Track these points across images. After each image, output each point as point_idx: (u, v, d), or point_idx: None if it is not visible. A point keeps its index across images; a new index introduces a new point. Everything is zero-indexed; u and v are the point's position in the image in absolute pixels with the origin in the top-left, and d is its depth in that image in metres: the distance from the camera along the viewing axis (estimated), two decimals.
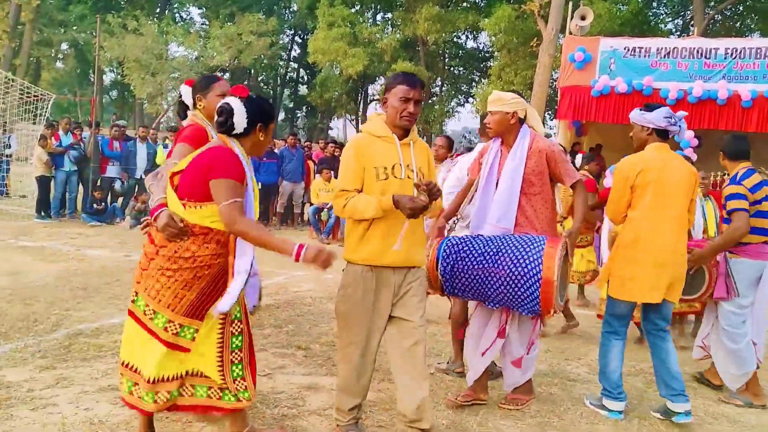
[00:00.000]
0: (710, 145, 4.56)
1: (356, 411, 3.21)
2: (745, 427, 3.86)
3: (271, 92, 38.10)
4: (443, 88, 33.90)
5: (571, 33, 15.29)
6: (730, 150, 4.35)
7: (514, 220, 3.66)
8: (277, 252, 2.56)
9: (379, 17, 33.56)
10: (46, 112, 12.02)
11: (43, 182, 11.06)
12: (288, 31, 37.82)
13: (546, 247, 3.41)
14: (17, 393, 3.52)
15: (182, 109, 3.49)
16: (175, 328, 2.68)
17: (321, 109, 33.99)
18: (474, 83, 34.47)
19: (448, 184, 4.63)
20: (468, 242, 3.60)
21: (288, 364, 4.38)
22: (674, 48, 14.41)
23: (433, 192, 2.90)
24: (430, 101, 30.54)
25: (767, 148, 16.02)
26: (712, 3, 25.88)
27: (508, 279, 3.41)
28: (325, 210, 11.11)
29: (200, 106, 3.22)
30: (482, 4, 28.69)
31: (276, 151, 12.45)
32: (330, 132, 39.67)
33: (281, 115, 38.66)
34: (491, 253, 3.48)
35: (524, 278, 3.37)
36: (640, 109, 3.90)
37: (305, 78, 40.11)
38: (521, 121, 3.74)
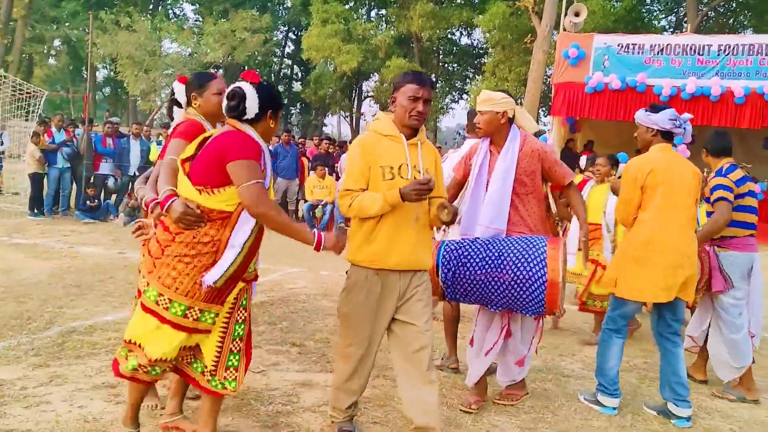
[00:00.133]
0: (703, 142, 4.56)
1: (352, 409, 3.21)
2: (738, 421, 3.88)
3: None
4: (437, 85, 33.88)
5: (565, 29, 15.31)
6: (714, 147, 4.40)
7: (506, 220, 3.64)
8: (297, 239, 2.60)
9: (373, 14, 33.54)
10: (38, 108, 11.96)
11: (36, 179, 11.01)
12: (282, 27, 37.76)
13: (548, 249, 3.40)
14: (10, 391, 3.50)
15: (171, 107, 3.45)
16: (196, 314, 2.63)
17: (315, 106, 33.96)
18: (468, 80, 34.50)
19: None
20: (467, 247, 3.54)
21: (282, 360, 4.38)
22: (668, 45, 14.46)
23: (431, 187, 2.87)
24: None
25: (759, 144, 16.17)
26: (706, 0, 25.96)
27: (512, 283, 3.39)
28: (320, 207, 11.10)
29: (196, 104, 3.14)
30: (476, 1, 28.70)
31: (270, 147, 12.43)
32: (324, 129, 39.67)
33: None
34: (493, 258, 3.44)
35: (529, 281, 3.36)
36: (646, 110, 3.90)
37: (299, 75, 40.05)
38: (510, 121, 3.73)
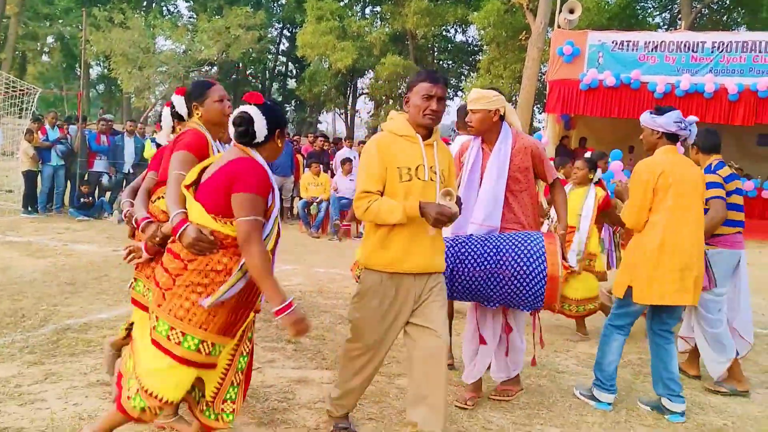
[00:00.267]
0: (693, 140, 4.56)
1: (350, 405, 3.23)
2: (731, 417, 3.91)
3: (260, 86, 37.94)
4: None
5: (559, 26, 15.33)
6: (704, 144, 4.42)
7: (500, 218, 3.65)
8: (267, 293, 2.44)
9: (367, 11, 33.51)
10: (32, 106, 11.89)
11: (30, 177, 10.96)
12: (276, 24, 37.65)
13: (546, 244, 3.41)
14: (5, 389, 3.50)
15: (173, 120, 3.38)
16: (208, 348, 2.49)
17: (310, 103, 33.93)
18: (463, 77, 34.52)
19: None
20: (464, 244, 3.53)
21: (278, 357, 4.39)
22: (662, 42, 14.50)
23: (459, 204, 2.84)
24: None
25: (753, 141, 16.24)
26: None
27: (512, 279, 3.39)
28: (315, 204, 11.10)
29: (197, 114, 3.04)
30: None
31: None
32: (319, 126, 39.65)
33: None
34: (491, 254, 3.44)
35: (529, 276, 3.36)
36: (651, 113, 3.90)
37: (294, 72, 39.99)
38: (501, 119, 3.74)
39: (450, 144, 4.93)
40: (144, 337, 2.60)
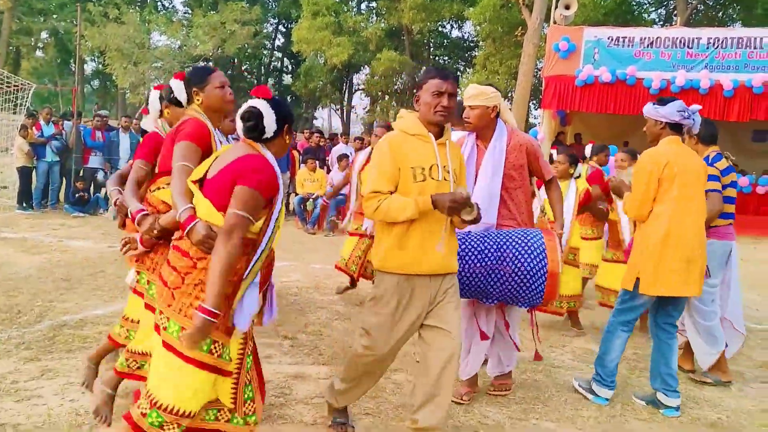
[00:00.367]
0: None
1: (352, 401, 3.24)
2: (725, 410, 3.93)
3: (255, 82, 37.84)
4: None
5: (555, 22, 15.33)
6: (705, 135, 4.41)
7: (496, 215, 3.65)
8: (208, 291, 2.27)
9: (363, 6, 33.43)
10: (26, 101, 11.84)
11: (25, 173, 10.92)
12: (272, 19, 37.55)
13: (546, 241, 3.42)
14: (1, 385, 3.50)
15: (161, 104, 3.32)
16: (219, 349, 2.43)
17: (305, 99, 33.85)
18: (459, 73, 34.47)
19: None
20: (463, 241, 3.52)
21: (274, 353, 4.39)
22: (657, 38, 14.52)
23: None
24: (415, 91, 30.51)
25: (748, 137, 16.28)
26: None
27: (513, 275, 3.39)
28: (311, 200, 11.09)
29: (198, 100, 2.94)
30: None
31: None
32: (315, 122, 39.56)
33: None
34: (492, 251, 3.43)
35: (530, 272, 3.37)
36: (654, 104, 3.88)
37: (289, 67, 39.89)
38: (497, 115, 3.74)
39: None
40: (156, 344, 2.50)
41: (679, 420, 3.73)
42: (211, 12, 28.46)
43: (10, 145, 11.59)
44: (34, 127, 10.97)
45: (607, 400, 3.89)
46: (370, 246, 5.92)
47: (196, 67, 3.16)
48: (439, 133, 2.96)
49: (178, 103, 3.09)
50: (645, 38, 14.49)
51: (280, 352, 4.42)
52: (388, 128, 6.16)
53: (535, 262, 3.36)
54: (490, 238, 3.48)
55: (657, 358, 3.92)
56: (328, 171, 12.28)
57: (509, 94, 21.73)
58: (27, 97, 11.72)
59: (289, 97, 38.38)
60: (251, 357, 2.63)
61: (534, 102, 26.87)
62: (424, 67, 32.29)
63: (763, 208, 14.35)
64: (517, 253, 3.39)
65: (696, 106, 3.97)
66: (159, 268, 2.79)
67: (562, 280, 5.31)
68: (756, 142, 16.32)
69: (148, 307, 2.94)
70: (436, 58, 34.33)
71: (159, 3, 37.72)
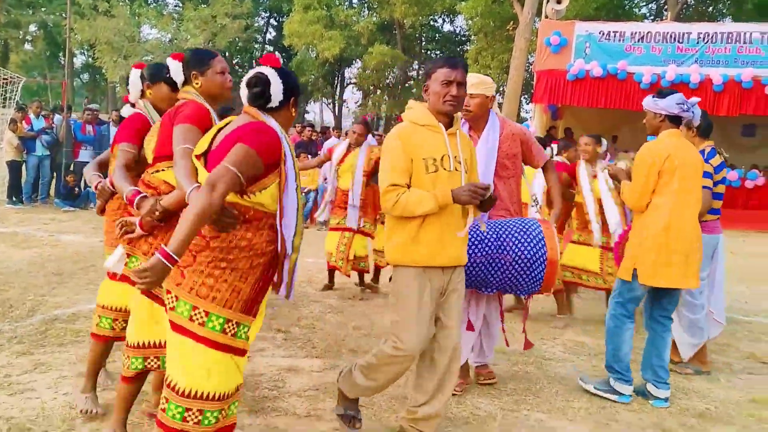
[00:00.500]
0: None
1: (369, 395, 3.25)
2: (713, 401, 3.98)
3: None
4: (420, 72, 33.83)
5: (547, 17, 15.35)
6: (703, 128, 4.41)
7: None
8: (174, 235, 2.12)
9: (355, 0, 33.32)
10: (15, 95, 11.77)
11: (14, 167, 10.87)
12: (263, 13, 37.36)
13: (543, 229, 3.47)
14: None
15: (143, 84, 3.18)
16: (233, 328, 2.35)
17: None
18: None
19: None
20: None
21: (268, 346, 4.41)
22: (648, 32, 14.57)
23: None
24: (406, 85, 30.51)
25: (738, 131, 16.39)
26: None
27: (514, 264, 3.42)
28: (303, 194, 11.07)
29: (197, 84, 2.82)
30: None
31: None
32: (306, 116, 39.45)
33: None
34: (492, 240, 3.46)
35: (530, 260, 3.41)
36: (653, 96, 3.89)
37: (281, 61, 39.68)
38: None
39: None
40: (168, 331, 2.40)
41: (668, 410, 3.78)
42: (202, 5, 28.25)
43: (0, 140, 11.52)
44: (23, 121, 10.90)
45: (630, 396, 3.85)
46: (352, 239, 5.95)
47: (198, 49, 3.03)
48: (449, 123, 2.93)
49: (172, 84, 2.94)
50: (636, 33, 14.54)
51: (273, 345, 4.44)
52: (365, 124, 6.18)
53: (535, 250, 3.40)
54: (489, 227, 3.52)
55: (650, 350, 3.96)
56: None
57: (501, 89, 21.75)
58: (16, 91, 11.65)
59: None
60: None
61: (525, 96, 26.92)
62: (415, 61, 32.36)
63: (752, 202, 14.47)
64: (517, 241, 3.43)
65: (695, 99, 3.98)
66: None
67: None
68: (745, 137, 16.43)
69: (144, 292, 2.78)
70: (428, 52, 34.31)
71: None
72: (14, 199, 10.81)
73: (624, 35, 14.53)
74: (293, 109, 2.51)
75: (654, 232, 3.72)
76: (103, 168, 3.42)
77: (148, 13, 27.51)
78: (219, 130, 2.46)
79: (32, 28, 37.06)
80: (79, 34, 25.08)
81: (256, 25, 34.35)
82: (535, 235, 3.44)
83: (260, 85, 2.40)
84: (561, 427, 3.46)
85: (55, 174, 11.49)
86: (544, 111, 15.73)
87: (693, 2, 27.61)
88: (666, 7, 26.23)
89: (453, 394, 3.73)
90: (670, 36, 14.22)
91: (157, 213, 2.63)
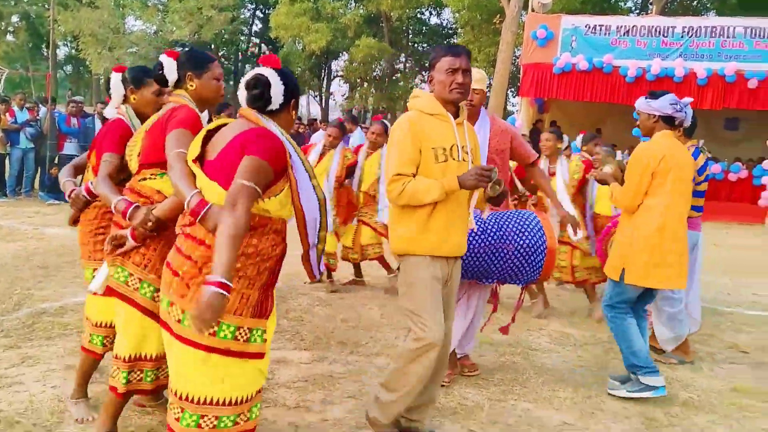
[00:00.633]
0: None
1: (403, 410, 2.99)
2: (696, 390, 4.05)
3: (233, 68, 37.45)
4: (407, 65, 33.81)
5: (533, 10, 15.42)
6: (689, 127, 4.44)
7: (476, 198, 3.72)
8: (217, 260, 2.02)
9: None
10: None
11: None
12: (249, 5, 37.05)
13: (540, 219, 3.53)
14: None
15: (125, 88, 3.04)
16: (246, 334, 2.28)
17: None
18: None
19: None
20: None
21: None
22: (633, 26, 14.68)
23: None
24: (394, 78, 30.48)
25: (721, 125, 16.58)
26: None
27: (516, 253, 3.47)
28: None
29: (191, 85, 2.71)
30: None
31: None
32: None
33: None
34: (494, 230, 3.50)
35: (531, 249, 3.46)
36: (645, 98, 3.89)
37: (267, 53, 39.49)
38: None
39: None
40: (168, 344, 2.32)
41: (653, 399, 3.83)
42: None
43: None
44: (7, 114, 10.78)
45: (664, 387, 3.81)
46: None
47: (197, 51, 2.92)
48: (456, 113, 2.91)
49: (162, 82, 2.80)
50: (621, 27, 14.65)
51: None
52: (340, 127, 6.13)
53: (536, 239, 3.46)
54: (489, 217, 3.56)
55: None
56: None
57: (488, 82, 21.79)
58: None
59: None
60: None
61: (512, 90, 27.01)
62: (402, 54, 32.32)
63: (735, 195, 14.67)
64: (518, 230, 3.49)
65: (688, 99, 3.99)
66: (153, 264, 2.64)
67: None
68: (728, 130, 16.64)
69: (134, 304, 2.68)
70: (415, 45, 34.28)
71: None
72: None
73: (610, 29, 14.63)
74: (293, 112, 2.45)
75: (646, 233, 3.72)
76: (78, 172, 3.24)
77: (132, 4, 27.28)
78: (210, 133, 2.39)
79: (14, 19, 36.53)
80: (63, 25, 24.83)
81: (242, 17, 34.10)
82: (534, 224, 3.50)
83: (260, 87, 2.33)
84: (547, 416, 3.51)
85: (39, 167, 11.38)
86: (530, 104, 15.81)
87: None
88: (651, 1, 26.37)
89: (441, 385, 3.77)
90: (655, 30, 14.33)
91: (149, 224, 2.55)
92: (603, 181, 4.24)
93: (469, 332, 3.99)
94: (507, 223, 3.53)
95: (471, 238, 3.45)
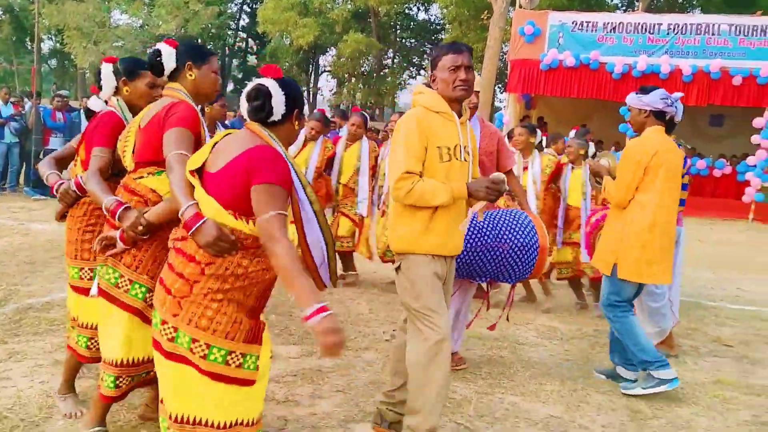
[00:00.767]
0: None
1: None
2: (681, 383, 4.10)
3: (220, 63, 37.29)
4: (395, 60, 33.82)
5: (521, 6, 15.46)
6: (670, 123, 4.49)
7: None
8: (297, 295, 2.05)
9: None
10: None
11: None
12: None
13: (531, 218, 3.57)
14: None
15: (117, 79, 2.93)
16: (238, 360, 2.21)
17: None
18: (425, 55, 34.49)
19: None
20: None
21: None
22: (620, 23, 14.78)
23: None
24: (381, 73, 30.46)
25: (706, 121, 16.73)
26: None
27: (510, 251, 3.50)
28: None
29: (190, 75, 2.62)
30: None
31: (227, 122, 12.25)
32: None
33: (230, 87, 37.90)
34: (489, 228, 3.53)
35: (525, 247, 3.49)
36: (636, 93, 3.90)
37: (255, 48, 39.33)
38: None
39: None
40: (159, 363, 2.27)
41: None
42: None
43: None
44: None
45: (677, 379, 3.81)
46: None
47: (195, 43, 2.82)
48: (459, 112, 2.89)
49: (158, 71, 2.67)
50: (608, 23, 14.74)
51: None
52: (322, 120, 6.12)
53: (529, 237, 3.50)
54: (485, 217, 3.59)
55: (616, 336, 4.06)
56: None
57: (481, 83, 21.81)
58: None
59: (254, 79, 37.90)
60: None
61: (499, 86, 27.06)
62: (390, 50, 32.31)
63: (719, 191, 14.84)
64: (512, 230, 3.53)
65: (678, 94, 4.02)
66: (144, 266, 2.57)
67: None
68: (713, 127, 16.81)
69: (123, 306, 2.61)
70: (403, 40, 34.30)
71: None
72: None
73: (596, 25, 14.71)
74: (296, 123, 2.35)
75: (637, 229, 3.74)
76: (60, 164, 3.09)
77: None
78: (214, 145, 2.30)
79: None
80: (48, 19, 24.57)
81: (229, 11, 33.95)
82: (527, 223, 3.54)
83: (261, 98, 2.25)
84: (534, 409, 3.55)
85: (24, 162, 11.27)
86: (517, 100, 15.88)
87: None
88: None
89: None
90: (641, 27, 14.43)
91: (140, 228, 2.46)
92: (596, 172, 4.25)
93: (457, 328, 4.03)
94: (501, 221, 3.56)
95: (468, 238, 3.49)
